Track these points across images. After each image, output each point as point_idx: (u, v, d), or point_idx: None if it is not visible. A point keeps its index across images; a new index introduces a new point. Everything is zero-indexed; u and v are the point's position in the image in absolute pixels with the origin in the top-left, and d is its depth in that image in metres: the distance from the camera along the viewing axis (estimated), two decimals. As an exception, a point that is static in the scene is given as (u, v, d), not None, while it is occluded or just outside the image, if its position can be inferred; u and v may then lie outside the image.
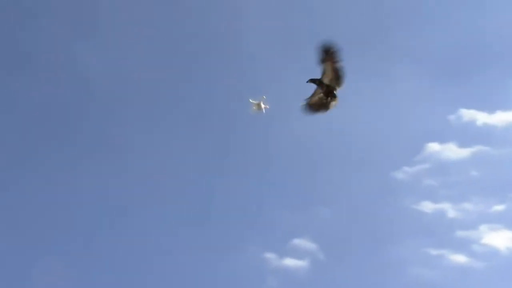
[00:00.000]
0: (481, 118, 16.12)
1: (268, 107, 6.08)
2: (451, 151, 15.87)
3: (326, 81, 6.27)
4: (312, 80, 6.26)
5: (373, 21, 16.70)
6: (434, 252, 14.55)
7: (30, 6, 14.70)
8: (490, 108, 16.27)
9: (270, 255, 13.97)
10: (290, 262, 14.02)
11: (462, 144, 15.86)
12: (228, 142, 15.21)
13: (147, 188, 14.22)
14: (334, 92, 6.17)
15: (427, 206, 15.13)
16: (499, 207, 15.03)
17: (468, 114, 16.16)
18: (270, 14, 15.82)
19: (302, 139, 15.30)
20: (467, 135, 16.12)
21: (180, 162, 14.78)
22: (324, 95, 6.19)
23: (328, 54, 6.04)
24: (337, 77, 6.20)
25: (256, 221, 14.50)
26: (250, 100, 6.10)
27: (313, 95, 6.32)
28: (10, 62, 14.48)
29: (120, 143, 14.63)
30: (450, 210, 15.11)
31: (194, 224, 14.25)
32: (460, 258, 14.45)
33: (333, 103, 6.26)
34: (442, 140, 15.97)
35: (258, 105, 6.07)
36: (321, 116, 15.89)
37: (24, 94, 14.37)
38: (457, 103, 16.37)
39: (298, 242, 14.23)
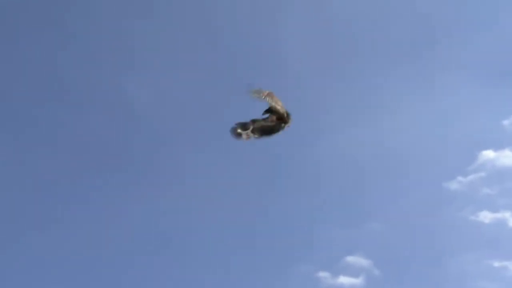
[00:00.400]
0: (538, 121, 15.54)
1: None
2: (507, 158, 15.30)
3: (279, 109, 6.20)
4: (267, 111, 6.22)
5: (417, 31, 16.48)
6: (496, 264, 14.00)
7: (78, 43, 15.32)
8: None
9: (323, 274, 13.81)
10: (344, 280, 13.80)
11: (519, 149, 15.29)
12: (276, 162, 15.22)
13: (198, 211, 14.35)
14: (286, 118, 6.10)
15: (486, 216, 14.60)
16: None
17: (523, 118, 15.60)
18: (312, 27, 15.89)
19: (349, 154, 15.17)
20: (524, 140, 15.55)
21: (229, 185, 14.88)
22: (277, 120, 6.13)
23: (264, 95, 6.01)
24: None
25: (308, 240, 14.38)
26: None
27: (265, 119, 6.24)
28: (62, 96, 15.08)
29: (169, 169, 14.93)
30: (511, 219, 14.55)
31: (247, 246, 14.29)
32: (525, 269, 13.86)
33: (286, 126, 6.19)
34: (497, 146, 15.44)
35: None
36: (368, 129, 15.69)
37: (77, 125, 14.88)
38: (511, 107, 15.84)
39: (352, 259, 14.01)
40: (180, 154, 15.10)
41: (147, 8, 15.97)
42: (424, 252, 14.16)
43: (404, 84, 16.06)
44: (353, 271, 13.84)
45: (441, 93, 16.07)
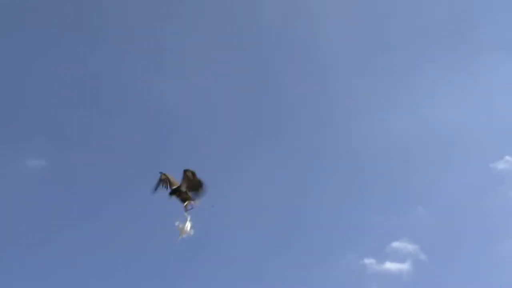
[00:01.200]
0: None
1: (192, 232, 5.96)
2: (556, 134, 14.77)
3: (183, 187, 6.17)
4: (173, 193, 6.18)
5: (458, 13, 16.11)
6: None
7: (110, 45, 15.58)
8: None
9: (369, 261, 13.59)
10: (391, 266, 13.54)
11: None
12: (318, 150, 15.08)
13: (242, 204, 14.30)
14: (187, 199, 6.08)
15: (538, 195, 14.14)
16: None
17: None
18: (350, 11, 15.73)
19: (392, 140, 14.90)
20: None
21: (269, 176, 14.80)
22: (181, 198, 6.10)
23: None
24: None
25: (352, 227, 14.19)
26: (176, 224, 6.03)
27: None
28: (97, 100, 15.35)
29: (204, 168, 14.86)
30: None
31: (290, 235, 14.19)
32: None
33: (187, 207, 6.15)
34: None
35: (183, 228, 5.96)
36: (411, 112, 15.31)
37: (112, 128, 15.07)
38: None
39: (397, 245, 13.74)
40: (216, 152, 15.07)
41: (179, 9, 16.14)
42: (473, 236, 13.77)
43: (446, 65, 15.74)
44: (399, 257, 13.58)
45: (484, 72, 15.68)
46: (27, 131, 14.73)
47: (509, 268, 13.33)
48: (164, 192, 6.02)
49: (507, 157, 14.51)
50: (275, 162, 14.95)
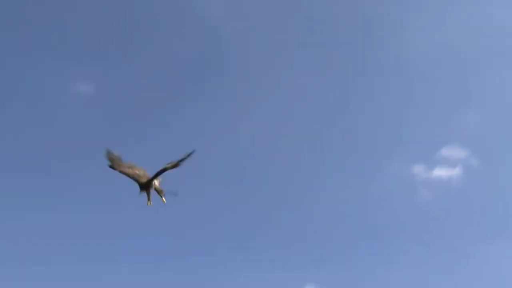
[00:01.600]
0: None
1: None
2: None
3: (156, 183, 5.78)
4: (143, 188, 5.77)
5: None
6: None
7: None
8: None
9: (418, 168, 13.41)
10: (440, 172, 13.32)
11: None
12: (366, 60, 14.61)
13: (289, 117, 14.22)
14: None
15: None
16: None
17: None
18: None
19: (442, 41, 14.22)
20: None
21: (319, 88, 14.49)
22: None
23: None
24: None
25: (400, 134, 13.95)
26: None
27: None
28: (142, 22, 15.22)
29: (253, 85, 14.68)
30: None
31: (338, 144, 14.11)
32: None
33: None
34: None
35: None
36: (463, 14, 14.41)
37: (150, 44, 14.98)
38: None
39: (447, 150, 13.42)
40: (261, 77, 14.79)
41: None
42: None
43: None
44: (449, 162, 13.32)
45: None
46: (75, 56, 14.90)
47: None
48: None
49: None
50: (324, 74, 14.63)
